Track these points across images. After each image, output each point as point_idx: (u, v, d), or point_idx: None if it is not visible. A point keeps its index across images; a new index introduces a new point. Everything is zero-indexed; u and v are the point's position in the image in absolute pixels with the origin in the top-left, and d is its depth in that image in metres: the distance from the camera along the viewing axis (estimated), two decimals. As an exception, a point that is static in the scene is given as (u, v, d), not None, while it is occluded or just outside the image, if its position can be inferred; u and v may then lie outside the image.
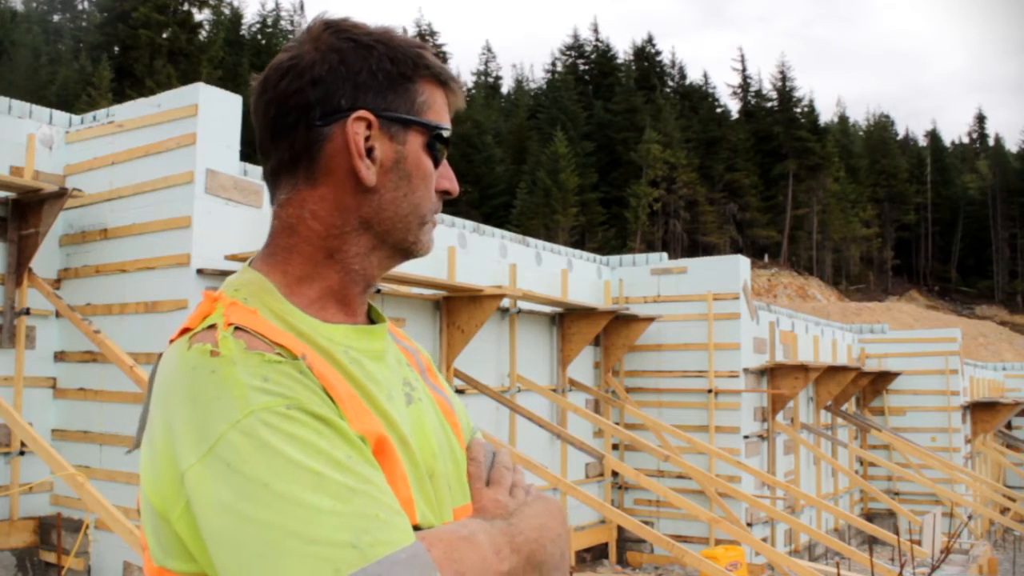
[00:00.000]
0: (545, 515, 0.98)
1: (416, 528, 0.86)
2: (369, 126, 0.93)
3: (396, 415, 0.91)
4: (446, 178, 1.01)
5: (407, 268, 7.02)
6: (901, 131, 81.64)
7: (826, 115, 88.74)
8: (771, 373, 10.70)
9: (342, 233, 0.95)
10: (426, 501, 0.91)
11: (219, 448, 0.77)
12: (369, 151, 0.94)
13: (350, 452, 0.80)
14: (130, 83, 39.56)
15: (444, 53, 71.97)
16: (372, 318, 1.03)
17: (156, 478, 0.83)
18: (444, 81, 1.00)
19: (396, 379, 0.97)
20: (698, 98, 68.66)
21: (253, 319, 0.87)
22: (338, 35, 0.95)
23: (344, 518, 0.75)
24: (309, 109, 0.92)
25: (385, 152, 0.94)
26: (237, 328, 0.85)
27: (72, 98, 36.29)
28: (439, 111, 0.99)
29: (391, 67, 0.95)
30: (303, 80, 0.93)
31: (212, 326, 0.86)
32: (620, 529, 10.01)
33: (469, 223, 8.64)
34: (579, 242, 45.76)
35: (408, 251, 1.00)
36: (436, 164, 0.99)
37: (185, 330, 0.89)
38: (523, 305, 8.86)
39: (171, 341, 0.90)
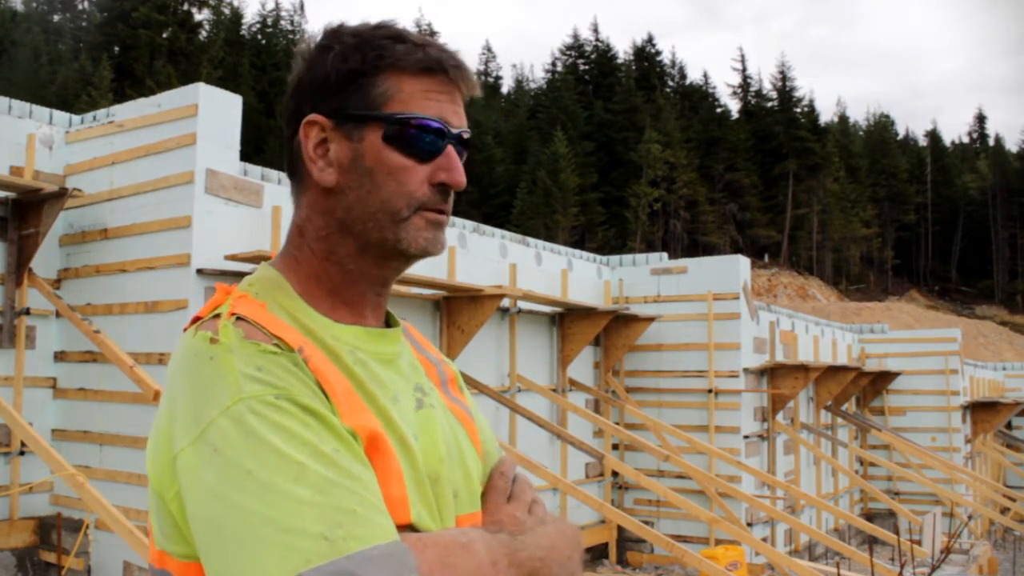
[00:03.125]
0: (557, 536, 0.97)
1: (410, 528, 0.86)
2: (323, 128, 0.95)
3: (398, 417, 0.91)
4: (443, 169, 0.96)
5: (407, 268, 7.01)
6: (901, 131, 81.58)
7: (826, 115, 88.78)
8: (771, 373, 10.70)
9: (329, 235, 0.97)
10: (424, 503, 0.90)
11: (209, 433, 0.80)
12: (326, 152, 0.95)
13: (337, 446, 0.81)
14: (130, 83, 39.58)
15: (444, 53, 71.80)
16: (390, 323, 1.04)
17: (156, 460, 0.86)
18: (420, 69, 0.94)
19: (407, 384, 0.98)
20: (698, 98, 68.63)
21: (258, 311, 0.90)
22: (316, 43, 0.98)
23: (320, 510, 0.76)
24: (288, 121, 0.99)
25: (341, 151, 0.94)
26: (239, 318, 0.88)
27: (72, 98, 36.29)
28: (406, 100, 0.94)
29: (342, 65, 0.94)
30: (289, 93, 0.99)
31: (218, 315, 0.89)
32: (620, 529, 10.01)
33: (469, 223, 8.64)
34: (579, 242, 45.76)
35: (395, 249, 0.96)
36: (421, 155, 0.94)
37: (197, 319, 0.92)
38: (523, 305, 8.86)
39: (184, 330, 0.93)
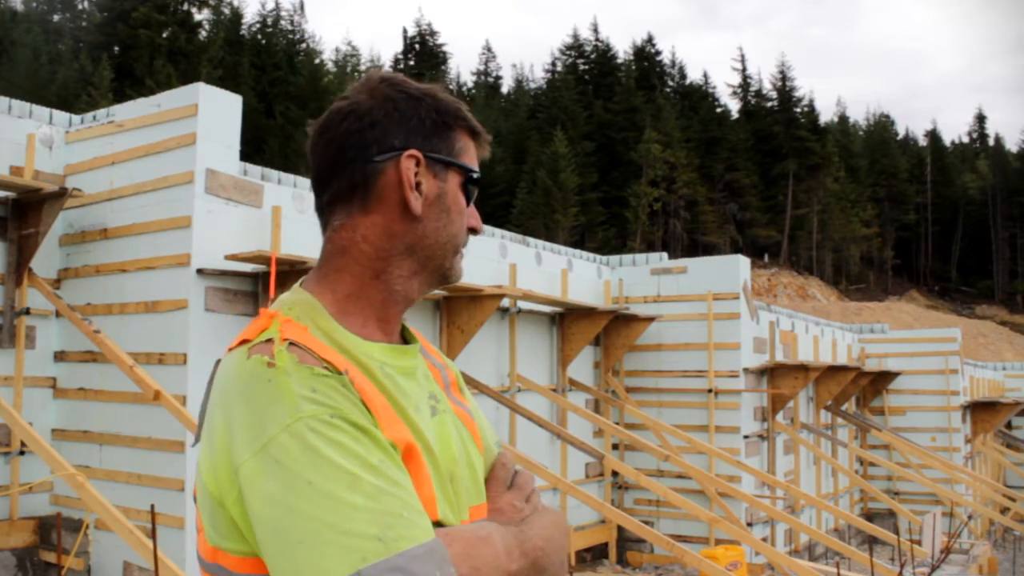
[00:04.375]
0: (552, 527, 1.10)
1: (438, 524, 0.97)
2: (418, 163, 1.07)
3: (422, 425, 1.03)
4: (473, 217, 1.16)
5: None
6: (901, 131, 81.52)
7: (826, 115, 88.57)
8: (771, 373, 10.70)
9: (389, 256, 1.08)
10: (447, 501, 1.02)
11: (271, 447, 0.89)
12: (417, 185, 1.07)
13: (382, 458, 0.92)
14: (130, 83, 39.53)
15: (444, 53, 71.97)
16: (406, 338, 1.15)
17: (214, 468, 0.94)
18: (477, 133, 1.16)
19: (423, 393, 1.09)
20: (698, 98, 68.57)
21: (304, 335, 1.00)
22: (392, 87, 1.10)
23: (374, 514, 0.87)
24: (367, 147, 1.07)
25: (430, 187, 1.09)
26: (291, 343, 0.97)
27: (72, 98, 36.25)
28: (472, 157, 1.15)
29: (436, 116, 1.10)
30: (363, 122, 1.07)
31: (269, 340, 0.98)
32: (620, 529, 10.01)
33: (469, 223, 8.63)
34: (579, 242, 45.73)
35: (444, 276, 1.13)
36: (468, 203, 1.14)
37: (244, 341, 1.01)
38: (523, 305, 8.86)
39: (229, 349, 1.02)
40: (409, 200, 1.06)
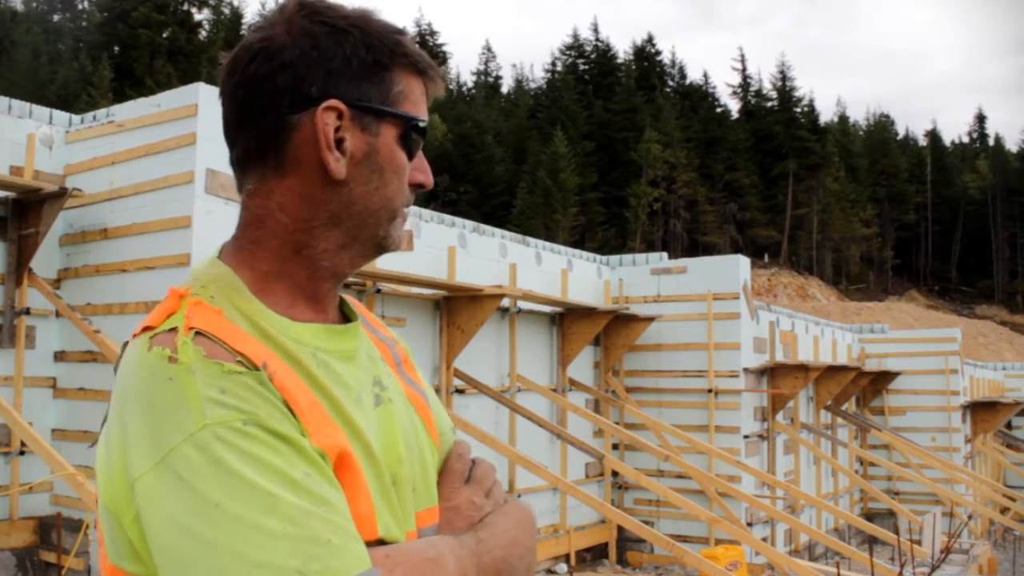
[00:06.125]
0: (516, 528, 0.95)
1: (380, 542, 0.84)
2: (340, 116, 0.89)
3: (362, 422, 0.88)
4: (420, 171, 0.97)
5: (407, 268, 7.02)
6: (901, 131, 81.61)
7: (826, 115, 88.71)
8: (771, 373, 10.70)
9: (311, 227, 0.91)
10: (390, 511, 0.88)
11: (171, 460, 0.76)
12: (339, 142, 0.89)
13: (308, 470, 0.78)
14: (130, 83, 39.56)
15: (444, 53, 71.95)
16: (344, 313, 0.99)
17: (110, 480, 0.81)
18: (422, 70, 0.95)
19: (366, 379, 0.93)
20: (698, 98, 68.62)
21: (217, 321, 0.84)
22: (311, 18, 0.90)
23: (294, 542, 0.73)
24: (278, 96, 0.88)
25: (356, 144, 0.90)
26: (198, 333, 0.82)
27: (72, 98, 36.28)
28: (415, 101, 0.94)
29: (366, 55, 0.90)
30: (273, 64, 0.88)
31: (174, 329, 0.83)
32: (620, 529, 10.01)
33: (469, 223, 8.64)
34: (579, 242, 45.75)
35: (379, 246, 0.96)
36: (411, 156, 0.95)
37: (148, 328, 0.85)
38: (523, 305, 8.86)
39: (134, 336, 0.87)
40: (327, 162, 0.88)
